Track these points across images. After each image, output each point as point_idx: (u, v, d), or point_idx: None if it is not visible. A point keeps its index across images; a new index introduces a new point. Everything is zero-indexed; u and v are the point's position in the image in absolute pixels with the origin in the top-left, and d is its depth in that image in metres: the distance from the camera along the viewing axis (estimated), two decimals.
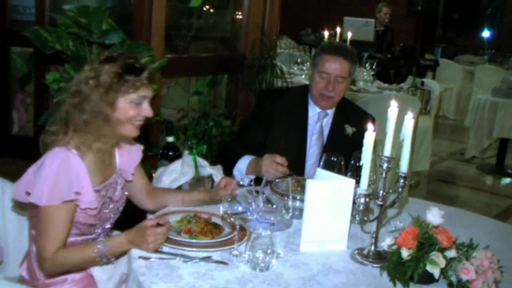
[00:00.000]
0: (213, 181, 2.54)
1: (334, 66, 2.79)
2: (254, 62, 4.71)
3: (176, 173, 2.46)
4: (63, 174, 1.91)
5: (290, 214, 1.92)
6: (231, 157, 2.74)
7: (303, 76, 6.29)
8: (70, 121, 2.00)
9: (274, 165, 2.44)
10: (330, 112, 2.93)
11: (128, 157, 2.22)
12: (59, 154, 1.94)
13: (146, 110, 2.03)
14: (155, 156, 3.29)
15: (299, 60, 6.91)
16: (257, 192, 1.95)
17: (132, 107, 2.01)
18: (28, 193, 1.93)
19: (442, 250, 1.78)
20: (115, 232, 2.34)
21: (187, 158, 2.51)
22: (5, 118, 5.33)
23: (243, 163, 2.67)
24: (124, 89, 1.98)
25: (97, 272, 2.01)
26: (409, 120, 1.87)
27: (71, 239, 2.07)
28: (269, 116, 2.88)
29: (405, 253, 1.78)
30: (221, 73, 4.93)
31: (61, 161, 1.92)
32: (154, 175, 2.54)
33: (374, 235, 1.97)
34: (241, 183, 2.00)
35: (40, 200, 1.90)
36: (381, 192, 1.91)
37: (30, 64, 5.16)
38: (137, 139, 2.21)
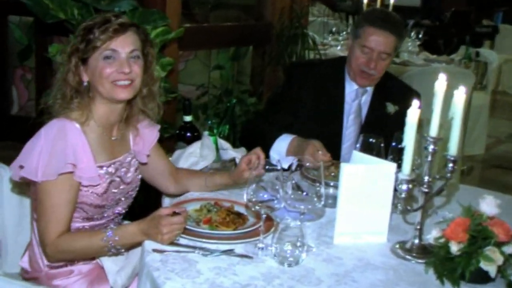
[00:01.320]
0: (235, 165, 2.56)
1: (379, 40, 2.78)
2: (282, 32, 4.71)
3: (194, 156, 2.49)
4: (58, 145, 1.97)
5: (322, 203, 1.92)
6: (258, 136, 2.75)
7: (338, 48, 6.26)
8: (66, 94, 2.06)
9: (316, 157, 2.42)
10: (370, 88, 2.94)
11: (142, 137, 2.27)
12: (56, 124, 2.00)
13: (124, 64, 2.04)
14: (172, 137, 3.32)
15: (334, 29, 6.88)
16: (285, 177, 1.96)
17: (106, 64, 2.04)
18: (21, 167, 1.98)
19: (498, 244, 1.75)
20: (127, 223, 2.38)
21: (207, 139, 2.54)
22: (3, 96, 5.40)
23: (282, 143, 2.66)
24: (92, 45, 2.02)
25: (108, 262, 2.05)
26: (459, 95, 1.86)
27: (78, 224, 2.13)
28: (299, 93, 2.89)
29: (454, 248, 1.77)
30: (245, 45, 4.94)
31: (57, 132, 1.98)
32: (170, 158, 2.57)
33: (418, 227, 1.96)
34: (278, 167, 2.00)
35: (35, 175, 1.95)
36: (427, 177, 1.90)
37: (30, 35, 5.21)
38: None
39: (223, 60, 4.96)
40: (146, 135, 2.28)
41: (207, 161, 2.49)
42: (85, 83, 2.08)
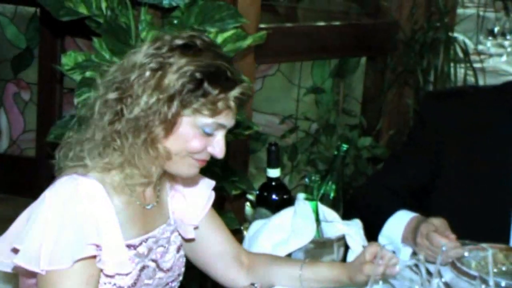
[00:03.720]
0: (346, 247, 2.55)
1: None
2: (415, 36, 4.71)
3: (283, 231, 2.50)
4: (74, 217, 1.96)
5: None
6: (367, 209, 2.79)
7: (503, 59, 6.19)
8: (96, 133, 2.06)
9: (426, 243, 2.43)
10: None
11: (188, 199, 2.29)
12: (67, 185, 2.00)
13: (218, 147, 2.05)
14: (242, 197, 3.32)
15: (496, 29, 6.81)
16: (428, 272, 1.94)
17: (199, 136, 2.03)
18: (15, 250, 1.98)
19: None
20: None
21: (303, 206, 2.54)
22: None
23: (396, 225, 2.68)
24: (197, 105, 2.00)
25: None
26: None
27: None
28: (437, 141, 2.89)
29: None
30: (355, 55, 4.97)
31: (71, 196, 1.98)
32: (245, 233, 2.57)
33: None
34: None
35: (37, 263, 1.93)
36: None
37: (31, 36, 5.37)
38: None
39: (320, 77, 4.99)
40: (191, 195, 2.30)
41: (303, 240, 2.49)
42: None
